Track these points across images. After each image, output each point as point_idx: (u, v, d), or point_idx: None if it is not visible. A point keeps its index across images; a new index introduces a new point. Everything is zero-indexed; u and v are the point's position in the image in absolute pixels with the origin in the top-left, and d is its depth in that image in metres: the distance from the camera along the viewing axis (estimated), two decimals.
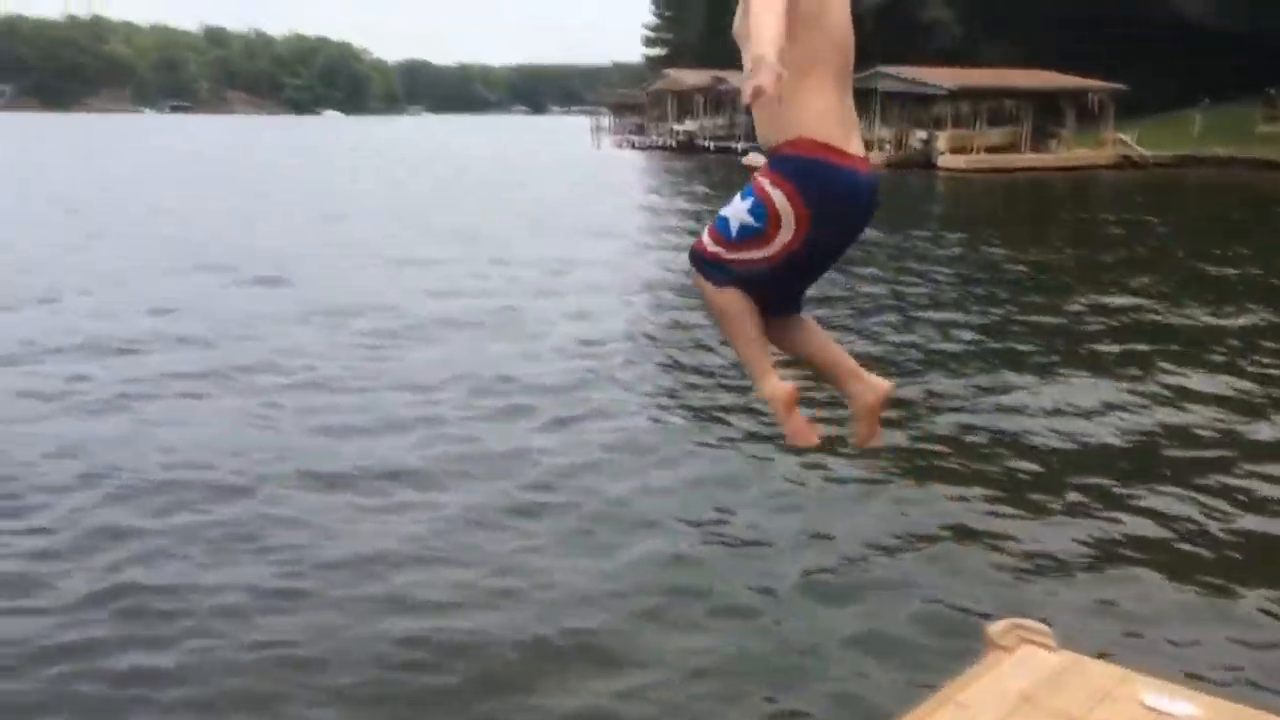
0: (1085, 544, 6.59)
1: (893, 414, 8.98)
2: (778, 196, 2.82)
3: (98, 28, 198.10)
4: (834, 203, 2.85)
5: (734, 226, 2.89)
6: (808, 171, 2.81)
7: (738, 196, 2.91)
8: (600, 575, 6.04)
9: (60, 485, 7.25)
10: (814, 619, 5.59)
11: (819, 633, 5.44)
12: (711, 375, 10.48)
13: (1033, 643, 4.19)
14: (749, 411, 9.07)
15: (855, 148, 2.89)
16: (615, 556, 6.31)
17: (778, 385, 2.96)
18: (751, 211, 2.86)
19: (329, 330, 12.38)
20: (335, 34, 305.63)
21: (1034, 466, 8.04)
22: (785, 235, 2.83)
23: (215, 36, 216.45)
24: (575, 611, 5.57)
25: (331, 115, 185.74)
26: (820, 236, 2.86)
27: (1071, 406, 9.55)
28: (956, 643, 5.17)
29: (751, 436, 8.53)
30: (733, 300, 2.93)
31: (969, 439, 8.74)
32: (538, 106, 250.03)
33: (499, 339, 12.10)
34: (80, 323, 12.46)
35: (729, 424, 8.93)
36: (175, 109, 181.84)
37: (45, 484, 7.28)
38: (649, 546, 6.46)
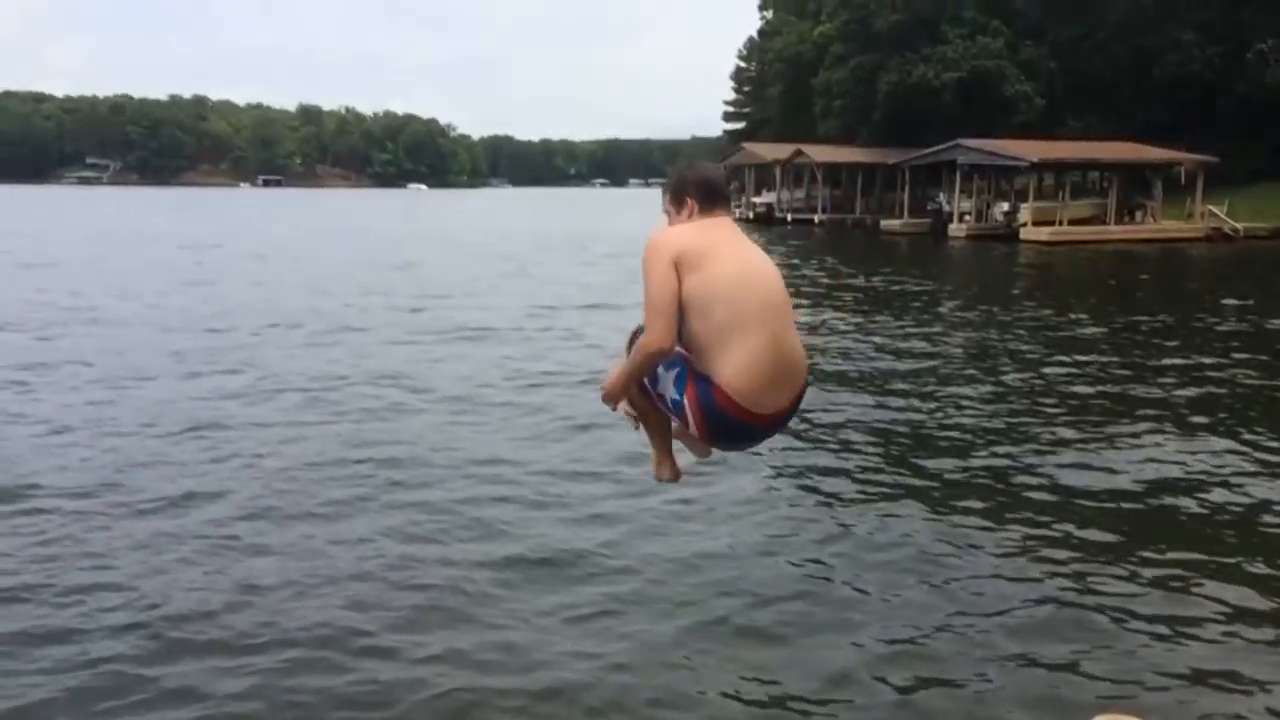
0: (1187, 624, 6.29)
1: (974, 483, 8.74)
2: (688, 403, 3.18)
3: (199, 107, 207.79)
4: (728, 437, 3.28)
5: (662, 385, 3.26)
6: (711, 413, 3.16)
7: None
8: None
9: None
10: (899, 693, 5.35)
11: (904, 707, 5.16)
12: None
13: None
14: (850, 475, 8.87)
15: (767, 402, 3.15)
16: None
17: (669, 472, 3.58)
18: (676, 388, 3.22)
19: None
20: (424, 111, 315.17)
21: (1124, 538, 7.69)
22: (692, 427, 3.24)
23: (309, 114, 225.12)
24: None
25: (416, 189, 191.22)
26: (719, 444, 3.39)
27: (1176, 478, 9.37)
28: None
29: (849, 500, 8.27)
30: (649, 408, 3.39)
31: (1062, 508, 8.43)
32: (617, 180, 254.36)
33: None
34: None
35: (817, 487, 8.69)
36: (268, 183, 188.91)
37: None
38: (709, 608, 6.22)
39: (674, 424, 3.41)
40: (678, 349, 3.18)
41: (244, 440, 10.51)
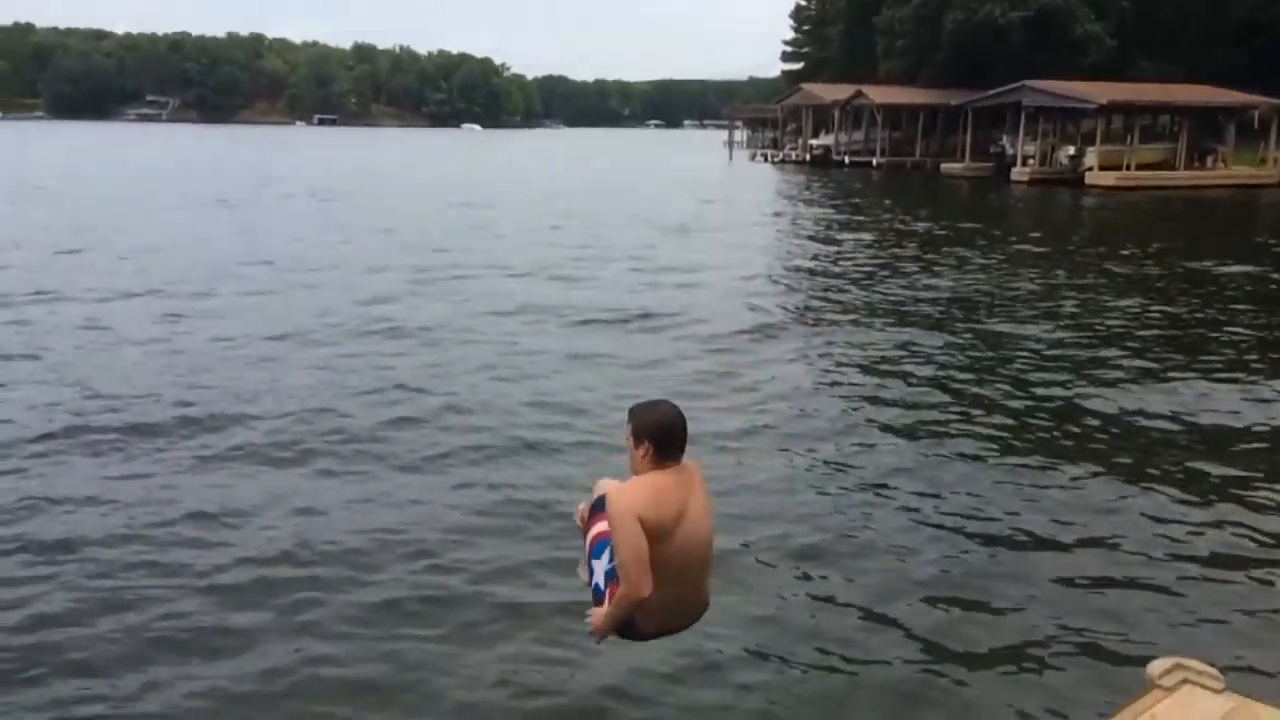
0: (1257, 583, 6.18)
1: (1033, 420, 8.73)
2: (607, 595, 3.63)
3: (256, 45, 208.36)
4: (620, 631, 3.69)
5: (595, 571, 3.72)
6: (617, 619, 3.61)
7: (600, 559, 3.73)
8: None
9: None
10: (964, 646, 5.35)
11: (969, 661, 5.21)
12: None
13: (1196, 684, 3.90)
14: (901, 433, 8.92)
15: (663, 631, 3.68)
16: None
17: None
18: (605, 579, 3.67)
19: None
20: (479, 51, 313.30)
21: (1184, 477, 7.63)
22: (599, 612, 3.67)
23: (364, 53, 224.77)
24: None
25: (470, 128, 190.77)
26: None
27: (1235, 423, 9.23)
28: (1112, 681, 4.91)
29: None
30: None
31: (1120, 447, 8.37)
32: (672, 121, 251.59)
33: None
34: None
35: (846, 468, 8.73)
36: (322, 121, 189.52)
37: None
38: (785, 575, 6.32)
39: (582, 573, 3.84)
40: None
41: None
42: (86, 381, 9.87)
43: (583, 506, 4.12)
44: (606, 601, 3.66)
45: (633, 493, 3.55)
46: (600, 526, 3.82)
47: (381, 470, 7.75)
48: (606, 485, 3.88)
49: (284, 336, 12.17)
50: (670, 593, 3.55)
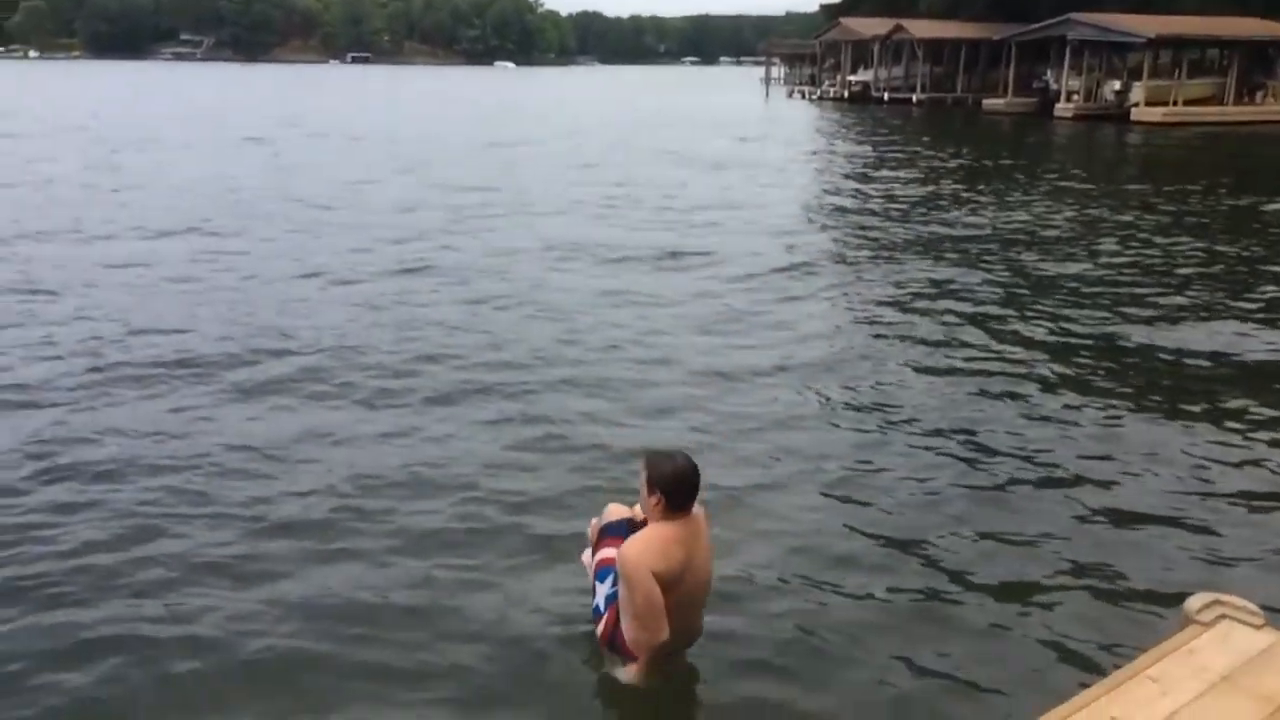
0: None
1: (1070, 354, 8.64)
2: (605, 618, 4.17)
3: None
4: (613, 649, 4.17)
5: (597, 593, 4.23)
6: (612, 639, 4.12)
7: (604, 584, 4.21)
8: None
9: None
10: (996, 578, 5.34)
11: (1001, 592, 5.20)
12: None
13: (1234, 619, 3.88)
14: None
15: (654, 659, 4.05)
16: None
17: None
18: (604, 602, 4.20)
19: None
20: None
21: (1242, 434, 7.51)
22: (599, 628, 4.27)
23: None
24: None
25: (503, 66, 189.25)
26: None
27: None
28: (1148, 617, 4.90)
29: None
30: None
31: (1172, 404, 8.21)
32: (708, 57, 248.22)
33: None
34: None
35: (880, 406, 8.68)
36: (356, 59, 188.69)
37: None
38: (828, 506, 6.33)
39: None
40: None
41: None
42: (126, 317, 9.99)
43: (595, 523, 4.50)
44: (604, 622, 4.16)
45: (644, 548, 3.88)
46: (606, 553, 4.22)
47: (417, 404, 7.81)
48: (616, 511, 4.40)
49: (317, 274, 12.23)
50: (672, 629, 3.94)
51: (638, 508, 4.28)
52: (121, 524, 5.73)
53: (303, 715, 4.19)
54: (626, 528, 4.28)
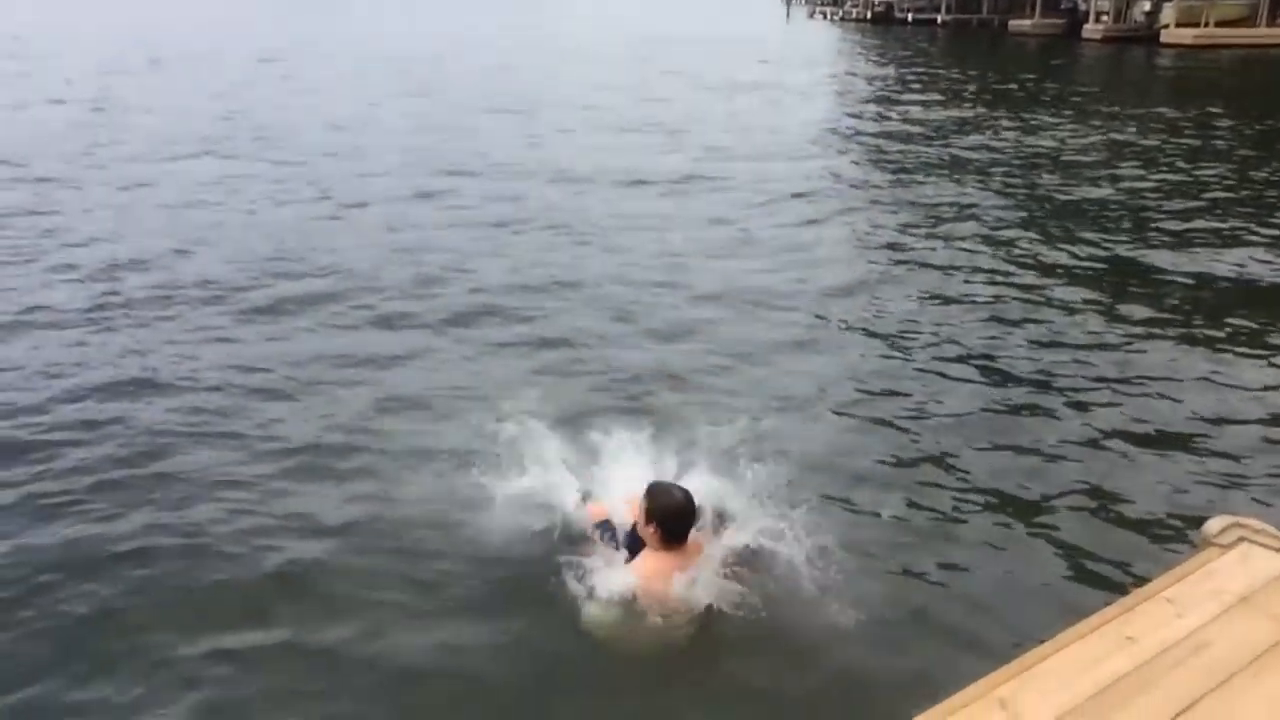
0: None
1: (1090, 274, 8.55)
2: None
3: None
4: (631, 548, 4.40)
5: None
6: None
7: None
8: None
9: None
10: (1018, 494, 5.36)
11: (1022, 510, 5.22)
12: None
13: (1254, 542, 3.87)
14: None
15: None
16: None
17: None
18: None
19: None
20: None
21: (1263, 360, 7.44)
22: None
23: None
24: None
25: None
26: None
27: None
28: (1168, 538, 4.90)
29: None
30: None
31: (1195, 328, 8.11)
32: None
33: None
34: None
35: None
36: None
37: None
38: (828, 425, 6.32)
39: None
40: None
41: None
42: (143, 241, 9.98)
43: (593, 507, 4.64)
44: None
45: (651, 581, 4.16)
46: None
47: (448, 329, 7.80)
48: (616, 509, 4.51)
49: (331, 198, 12.17)
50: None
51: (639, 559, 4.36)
52: (143, 441, 5.79)
53: (324, 621, 4.27)
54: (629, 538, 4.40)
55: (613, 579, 4.26)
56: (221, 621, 4.29)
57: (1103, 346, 7.54)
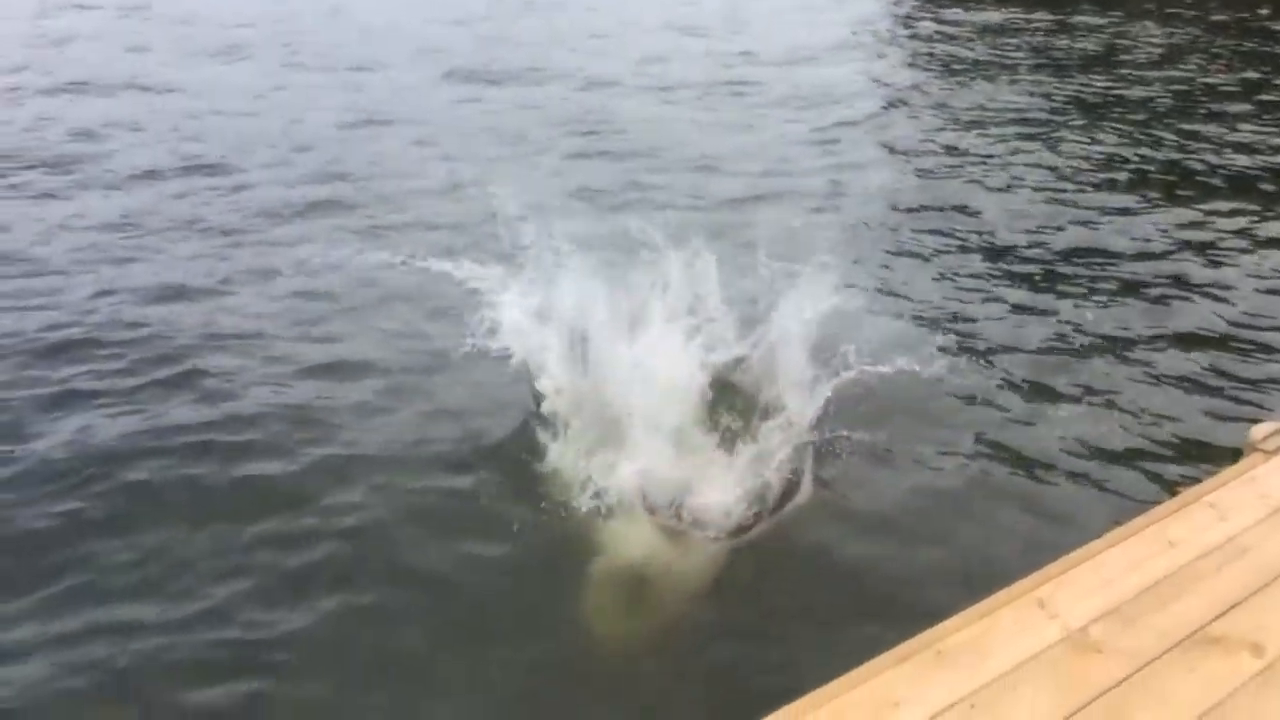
0: None
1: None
2: None
3: None
4: None
5: None
6: None
7: None
8: None
9: None
10: (1058, 409, 5.29)
11: (1064, 418, 5.17)
12: None
13: None
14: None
15: None
16: None
17: None
18: None
19: None
20: None
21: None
22: None
23: None
24: None
25: None
26: None
27: None
28: (1212, 443, 4.86)
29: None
30: None
31: (1246, 217, 7.95)
32: None
33: None
34: None
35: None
36: None
37: None
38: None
39: None
40: None
41: None
42: (188, 143, 9.96)
43: None
44: None
45: None
46: None
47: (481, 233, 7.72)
48: None
49: (360, 107, 12.02)
50: None
51: None
52: (184, 341, 5.88)
53: (356, 507, 4.41)
54: None
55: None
56: (253, 504, 4.44)
57: (1149, 247, 7.40)
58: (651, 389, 4.41)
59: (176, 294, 6.56)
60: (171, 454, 4.76)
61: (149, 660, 3.62)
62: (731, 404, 4.74)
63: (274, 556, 4.13)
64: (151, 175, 8.96)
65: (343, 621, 3.81)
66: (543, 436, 4.68)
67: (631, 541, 4.10)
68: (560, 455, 4.56)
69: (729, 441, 4.51)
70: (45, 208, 8.13)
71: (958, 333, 6.03)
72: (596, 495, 4.25)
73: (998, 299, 6.62)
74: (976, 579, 3.49)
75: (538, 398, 4.69)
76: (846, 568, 4.09)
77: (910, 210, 8.29)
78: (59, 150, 9.73)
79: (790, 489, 4.33)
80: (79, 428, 4.98)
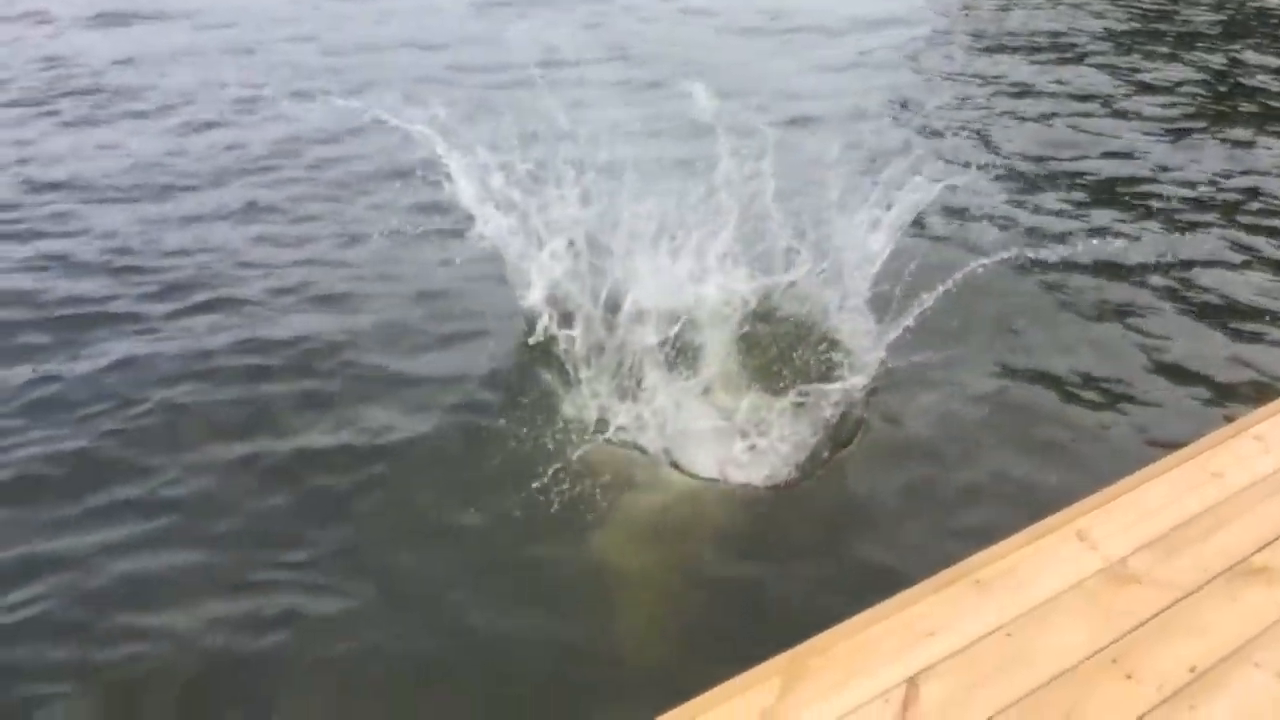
0: None
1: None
2: None
3: None
4: None
5: None
6: None
7: None
8: None
9: None
10: (1109, 338, 5.22)
11: (1108, 347, 5.10)
12: None
13: None
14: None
15: None
16: None
17: None
18: None
19: None
20: None
21: None
22: None
23: None
24: None
25: None
26: None
27: None
28: (1258, 374, 4.80)
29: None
30: None
31: None
32: None
33: None
34: None
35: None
36: None
37: None
38: None
39: None
40: None
41: None
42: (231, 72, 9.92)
43: None
44: None
45: None
46: None
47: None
48: None
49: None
50: None
51: None
52: (210, 271, 5.92)
53: (385, 426, 4.45)
54: None
55: None
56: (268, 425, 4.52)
57: (1201, 172, 7.23)
58: (695, 315, 4.34)
59: (214, 221, 6.59)
60: (209, 376, 4.83)
61: (190, 570, 3.71)
62: (776, 336, 4.67)
63: (310, 474, 4.19)
64: (191, 104, 8.92)
65: (374, 542, 3.85)
66: (565, 373, 4.56)
67: (658, 493, 4.01)
68: (585, 395, 4.43)
69: (772, 378, 4.41)
70: (84, 135, 8.14)
71: (1005, 254, 5.91)
72: (621, 440, 4.14)
73: (1053, 216, 6.54)
74: (1016, 505, 3.48)
75: (566, 331, 4.54)
76: (880, 488, 4.07)
77: (959, 131, 8.14)
78: (99, 80, 9.67)
79: (833, 432, 4.24)
80: (121, 350, 5.05)
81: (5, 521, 3.94)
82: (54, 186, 7.04)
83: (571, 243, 4.63)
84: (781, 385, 4.35)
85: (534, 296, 4.62)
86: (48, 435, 4.42)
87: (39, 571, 3.68)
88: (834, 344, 4.57)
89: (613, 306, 4.53)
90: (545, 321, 4.54)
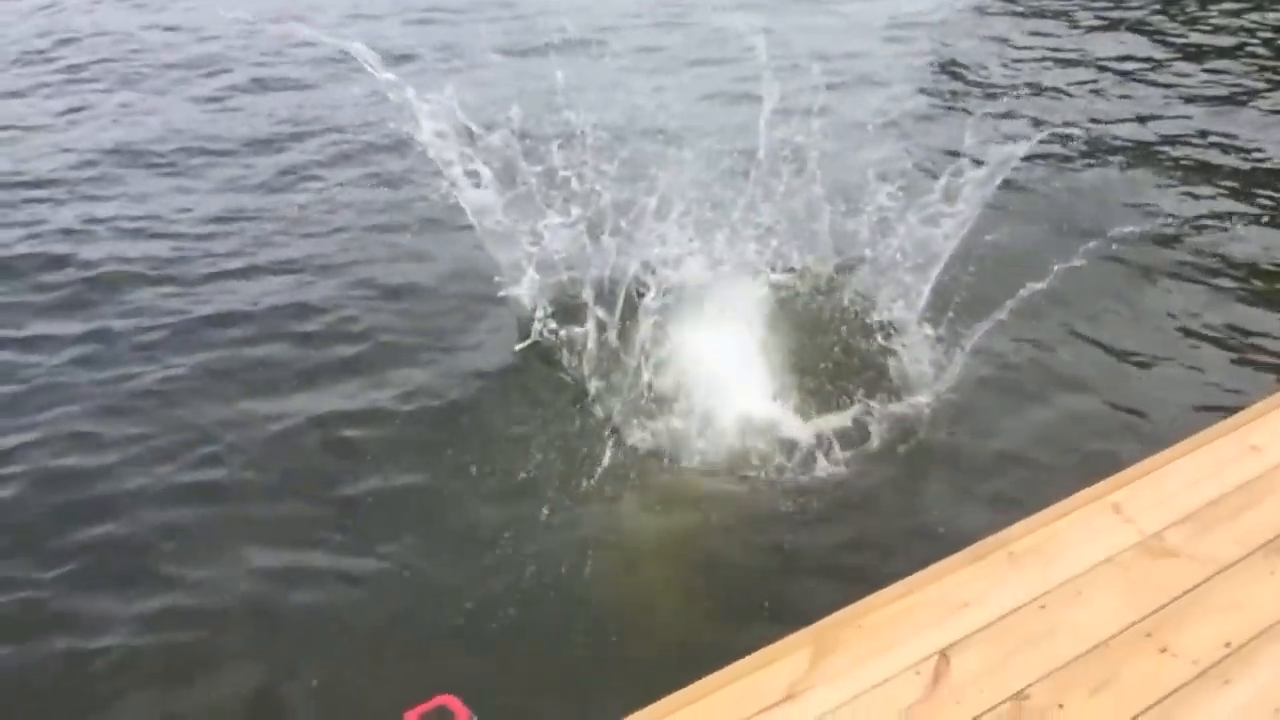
0: None
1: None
2: None
3: None
4: None
5: None
6: None
7: None
8: None
9: None
10: (1138, 306, 5.16)
11: (1148, 319, 5.04)
12: None
13: None
14: None
15: None
16: None
17: None
18: None
19: None
20: None
21: None
22: None
23: None
24: None
25: None
26: None
27: None
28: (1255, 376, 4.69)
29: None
30: None
31: None
32: None
33: None
34: None
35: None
36: None
37: None
38: None
39: None
40: None
41: None
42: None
43: None
44: None
45: None
46: None
47: None
48: None
49: None
50: None
51: None
52: (246, 234, 5.99)
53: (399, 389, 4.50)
54: None
55: None
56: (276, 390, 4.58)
57: (1250, 139, 7.09)
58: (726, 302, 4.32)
59: (246, 189, 6.66)
60: (247, 341, 4.90)
61: (229, 523, 3.81)
62: (812, 320, 4.66)
63: (349, 435, 4.24)
64: (229, 71, 8.94)
65: (411, 507, 3.88)
66: (589, 360, 4.51)
67: (689, 462, 3.99)
68: (608, 386, 4.37)
69: (806, 370, 4.39)
70: (128, 101, 8.20)
71: (1046, 223, 5.85)
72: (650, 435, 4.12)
73: (1096, 188, 6.45)
74: (1048, 481, 3.46)
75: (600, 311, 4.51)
76: (905, 460, 4.05)
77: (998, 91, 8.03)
78: (139, 49, 9.67)
79: (865, 405, 4.21)
80: (165, 308, 5.15)
81: (52, 471, 4.03)
82: (100, 153, 7.10)
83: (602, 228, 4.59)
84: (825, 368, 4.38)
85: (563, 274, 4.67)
86: (94, 389, 4.52)
87: (85, 521, 3.77)
88: (873, 326, 4.55)
89: (650, 270, 4.49)
90: (587, 295, 4.53)
